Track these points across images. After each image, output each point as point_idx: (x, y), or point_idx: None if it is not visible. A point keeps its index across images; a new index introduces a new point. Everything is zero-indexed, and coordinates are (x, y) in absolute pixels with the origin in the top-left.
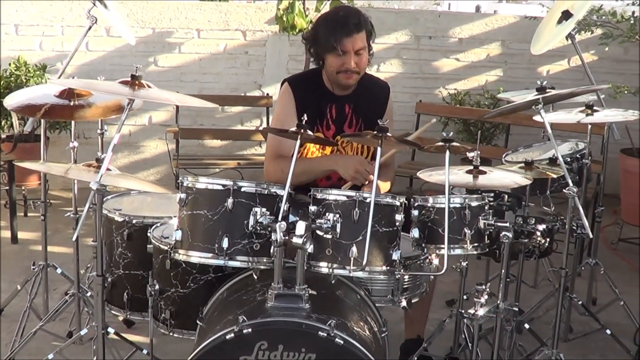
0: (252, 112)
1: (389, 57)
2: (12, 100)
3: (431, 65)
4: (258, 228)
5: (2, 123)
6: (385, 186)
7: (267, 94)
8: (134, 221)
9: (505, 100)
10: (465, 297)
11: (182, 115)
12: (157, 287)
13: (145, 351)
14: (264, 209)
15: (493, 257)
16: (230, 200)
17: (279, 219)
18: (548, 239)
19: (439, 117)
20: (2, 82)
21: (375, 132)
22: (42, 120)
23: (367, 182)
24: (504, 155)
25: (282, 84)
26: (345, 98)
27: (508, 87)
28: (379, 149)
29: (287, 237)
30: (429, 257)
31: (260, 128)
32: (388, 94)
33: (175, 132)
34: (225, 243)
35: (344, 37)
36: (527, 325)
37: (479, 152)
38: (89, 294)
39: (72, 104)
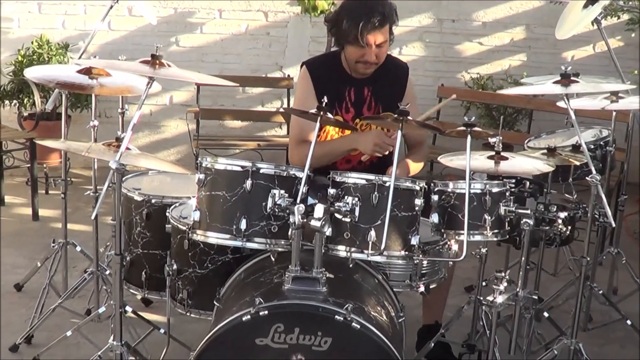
0: (272, 94)
1: (411, 40)
2: (34, 74)
3: (454, 49)
4: (276, 210)
5: (25, 101)
6: (416, 167)
7: (288, 75)
8: (153, 201)
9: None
10: (484, 283)
11: (202, 96)
12: (175, 267)
13: (162, 330)
14: (282, 191)
15: (513, 244)
16: (248, 182)
17: (298, 201)
18: (569, 227)
19: (461, 102)
20: (24, 61)
21: (395, 116)
22: (64, 98)
23: (387, 153)
24: (526, 141)
25: (300, 68)
26: (364, 81)
27: (532, 72)
28: (399, 132)
29: (305, 220)
30: (448, 243)
31: (281, 110)
32: (407, 75)
33: (195, 112)
34: (243, 224)
35: (366, 32)
36: (546, 314)
37: (500, 138)
38: (107, 272)
39: (92, 81)
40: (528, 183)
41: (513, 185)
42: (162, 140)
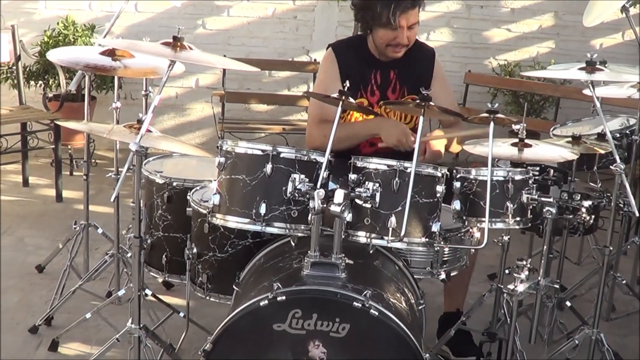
0: (299, 78)
1: (439, 26)
2: (57, 56)
3: (482, 35)
4: (296, 195)
5: (50, 82)
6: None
7: (315, 60)
8: (174, 184)
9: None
10: (507, 271)
11: (228, 79)
12: (195, 250)
13: (182, 314)
14: (302, 176)
15: (537, 232)
16: (269, 166)
17: (318, 186)
18: (593, 216)
19: (488, 88)
20: (50, 42)
21: (417, 101)
22: (87, 79)
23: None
24: (552, 129)
25: (326, 50)
26: (390, 64)
27: (559, 59)
28: (421, 118)
29: (325, 205)
30: (470, 230)
31: (304, 93)
32: (433, 59)
33: (221, 96)
34: (262, 209)
35: (400, 13)
36: (568, 303)
37: (524, 125)
38: (128, 254)
39: (115, 63)
40: (552, 171)
41: (537, 173)
42: (187, 123)
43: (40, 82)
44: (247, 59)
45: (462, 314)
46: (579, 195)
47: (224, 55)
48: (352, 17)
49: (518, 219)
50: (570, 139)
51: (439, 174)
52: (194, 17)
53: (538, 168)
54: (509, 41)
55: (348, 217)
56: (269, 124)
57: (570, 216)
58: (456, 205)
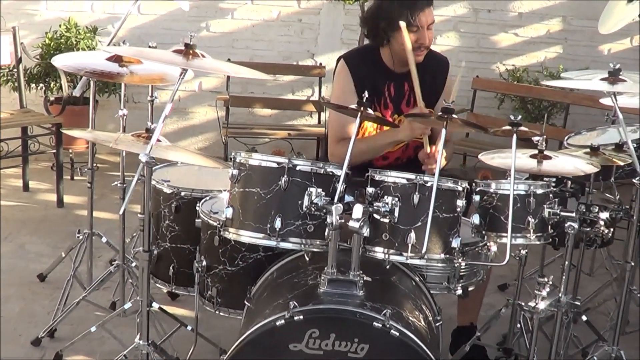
0: (304, 82)
1: (446, 30)
2: (62, 62)
3: (489, 40)
4: (312, 209)
5: (51, 85)
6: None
7: (320, 64)
8: (182, 193)
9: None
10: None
11: (232, 83)
12: (204, 263)
13: (189, 327)
14: (319, 189)
15: (552, 244)
16: (284, 179)
17: (335, 200)
18: (611, 229)
19: (495, 94)
20: (52, 44)
21: (440, 114)
22: (92, 85)
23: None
24: (566, 138)
25: (337, 61)
26: (404, 75)
27: (568, 64)
28: (443, 130)
29: (342, 220)
30: (488, 244)
31: (312, 98)
32: (447, 69)
33: (225, 100)
34: (277, 223)
35: (419, 12)
36: (584, 317)
37: (545, 137)
38: (133, 264)
39: (122, 69)
40: (570, 182)
41: (554, 184)
42: (190, 127)
43: (41, 85)
44: (252, 62)
45: (476, 329)
46: (597, 207)
47: (229, 59)
48: (357, 21)
49: (539, 234)
50: (588, 149)
51: (460, 188)
52: (198, 20)
53: (555, 179)
54: (517, 46)
55: (366, 232)
56: (274, 129)
57: (588, 229)
58: (475, 219)
